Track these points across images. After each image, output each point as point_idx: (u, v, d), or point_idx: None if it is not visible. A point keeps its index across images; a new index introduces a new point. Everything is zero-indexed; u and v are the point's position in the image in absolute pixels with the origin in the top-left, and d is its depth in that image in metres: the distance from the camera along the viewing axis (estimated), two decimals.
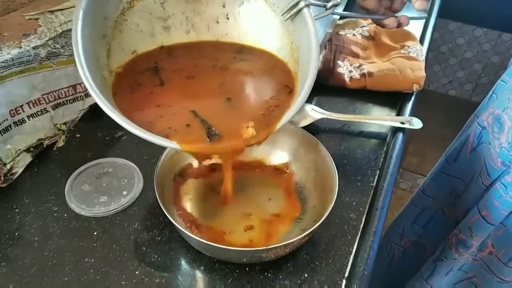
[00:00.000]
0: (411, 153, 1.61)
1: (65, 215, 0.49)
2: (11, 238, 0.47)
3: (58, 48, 0.54)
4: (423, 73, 0.66)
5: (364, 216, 0.49)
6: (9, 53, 0.49)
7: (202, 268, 0.45)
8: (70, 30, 0.55)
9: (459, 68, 1.73)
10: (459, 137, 0.72)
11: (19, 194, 0.51)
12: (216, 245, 0.40)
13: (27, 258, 0.45)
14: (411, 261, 0.82)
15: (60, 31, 0.54)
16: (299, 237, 0.40)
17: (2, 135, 0.52)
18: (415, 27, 0.85)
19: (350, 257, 0.45)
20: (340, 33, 0.77)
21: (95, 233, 0.47)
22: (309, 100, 0.65)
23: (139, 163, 0.54)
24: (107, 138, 0.59)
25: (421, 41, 0.81)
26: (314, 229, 0.41)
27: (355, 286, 0.42)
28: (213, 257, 0.45)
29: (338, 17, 0.74)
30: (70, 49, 0.56)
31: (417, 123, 0.60)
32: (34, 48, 0.51)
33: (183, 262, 0.45)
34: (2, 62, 0.49)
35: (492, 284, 0.64)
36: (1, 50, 0.50)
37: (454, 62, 1.72)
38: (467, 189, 0.68)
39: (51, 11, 0.55)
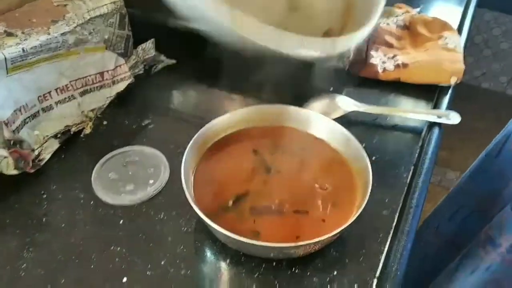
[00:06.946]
0: (440, 147, 1.56)
1: (91, 202, 0.49)
2: (39, 224, 0.47)
3: (86, 35, 0.54)
4: (462, 66, 0.63)
5: (397, 214, 0.47)
6: (38, 39, 0.49)
7: (228, 261, 0.44)
8: (98, 16, 0.55)
9: (494, 60, 1.66)
10: (502, 132, 0.68)
11: (46, 180, 0.51)
12: (243, 239, 0.39)
13: (54, 244, 0.45)
14: (444, 259, 0.79)
15: (88, 17, 0.54)
16: (330, 234, 0.39)
17: (30, 121, 0.52)
18: (452, 17, 0.81)
19: (381, 256, 0.43)
20: None
21: (121, 221, 0.47)
22: (339, 91, 0.63)
23: (166, 152, 0.54)
24: (133, 126, 0.58)
25: (459, 31, 0.77)
26: (346, 226, 0.40)
27: (387, 286, 0.41)
28: (239, 251, 0.44)
29: None
30: (97, 35, 0.55)
31: (454, 118, 0.57)
32: (62, 34, 0.51)
33: (208, 254, 0.44)
34: (31, 48, 0.48)
35: None
36: (30, 36, 0.49)
37: (488, 54, 1.65)
38: (508, 186, 0.64)
39: None
